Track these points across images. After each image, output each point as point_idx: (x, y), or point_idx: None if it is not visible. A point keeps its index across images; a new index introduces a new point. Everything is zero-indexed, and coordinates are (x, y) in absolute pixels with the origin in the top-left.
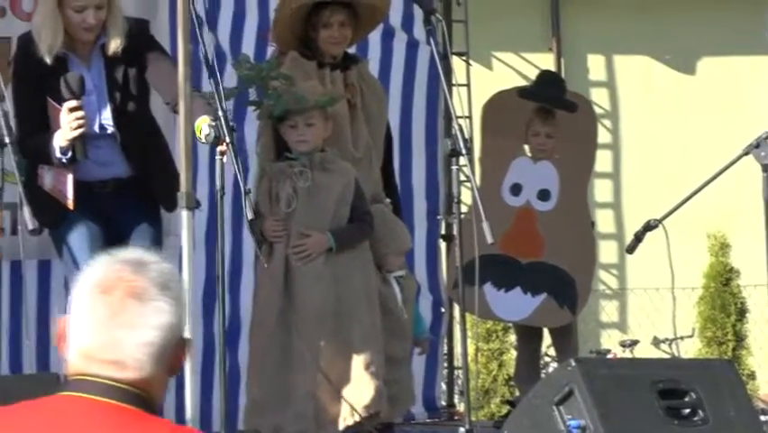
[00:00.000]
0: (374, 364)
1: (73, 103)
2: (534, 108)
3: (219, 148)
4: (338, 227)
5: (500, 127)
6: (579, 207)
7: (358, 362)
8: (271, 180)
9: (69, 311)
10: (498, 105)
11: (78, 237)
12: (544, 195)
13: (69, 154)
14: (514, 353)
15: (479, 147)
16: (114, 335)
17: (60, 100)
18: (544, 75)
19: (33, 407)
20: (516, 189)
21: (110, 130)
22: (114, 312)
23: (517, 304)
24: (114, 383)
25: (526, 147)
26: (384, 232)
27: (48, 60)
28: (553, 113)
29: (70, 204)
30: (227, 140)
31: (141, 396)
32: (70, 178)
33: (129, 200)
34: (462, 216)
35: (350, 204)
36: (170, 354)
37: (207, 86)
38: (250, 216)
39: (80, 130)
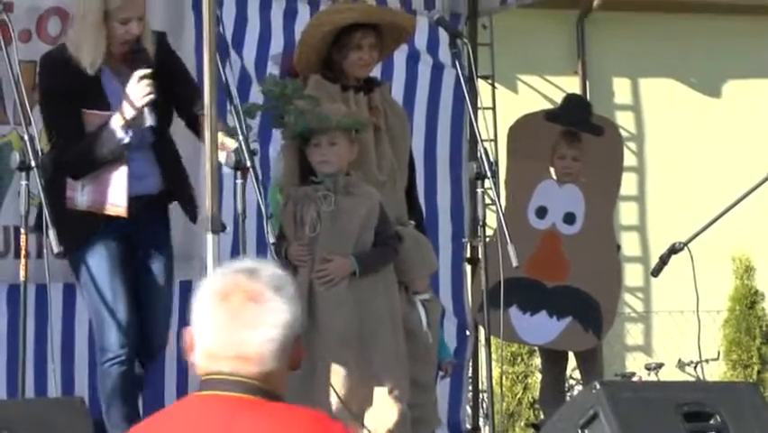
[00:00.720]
0: (398, 388)
1: (144, 71)
2: (561, 131)
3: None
4: (362, 251)
5: (526, 150)
6: (604, 230)
7: (381, 386)
8: (296, 204)
9: (192, 320)
10: (524, 128)
11: (99, 260)
12: (569, 218)
13: (129, 135)
14: (539, 376)
15: (504, 170)
16: (236, 335)
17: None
18: (571, 98)
19: (170, 412)
20: (542, 213)
21: (150, 140)
22: (235, 315)
23: (543, 328)
24: (239, 378)
25: (552, 170)
26: (412, 254)
27: (91, 73)
28: (579, 136)
29: (123, 211)
30: (248, 164)
31: (264, 388)
32: (122, 176)
33: (151, 218)
34: (487, 239)
35: (374, 228)
36: (290, 349)
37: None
38: (272, 239)
39: (151, 96)
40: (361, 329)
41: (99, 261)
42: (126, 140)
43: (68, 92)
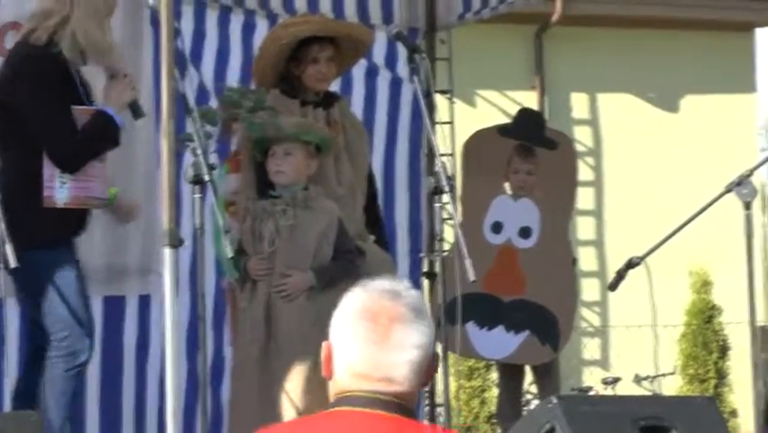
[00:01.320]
0: None
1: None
2: (514, 146)
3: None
4: (321, 266)
5: (481, 166)
6: (559, 243)
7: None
8: (254, 219)
9: (333, 337)
10: (478, 144)
11: (69, 265)
12: (525, 232)
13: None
14: (496, 390)
15: (460, 186)
16: (386, 357)
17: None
18: (524, 112)
19: (314, 421)
20: (497, 228)
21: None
22: (383, 337)
23: (500, 342)
24: (382, 397)
25: (507, 185)
26: (372, 269)
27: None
28: (533, 150)
29: (103, 205)
30: (207, 178)
31: (403, 405)
32: (107, 172)
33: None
34: (445, 253)
35: (333, 242)
36: (426, 367)
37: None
38: (229, 254)
39: (135, 91)
40: (319, 344)
41: (69, 265)
42: (124, 126)
43: (61, 88)
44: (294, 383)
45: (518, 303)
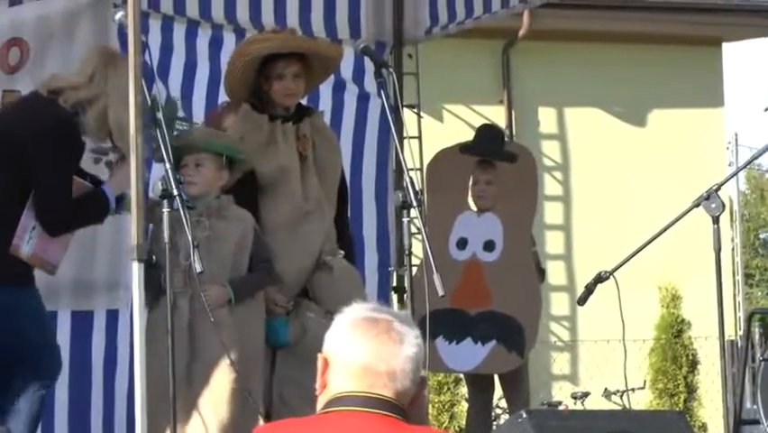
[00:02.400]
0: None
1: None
2: (476, 162)
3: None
4: (237, 277)
5: (444, 184)
6: (522, 254)
7: (258, 412)
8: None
9: (330, 344)
10: (440, 164)
11: (39, 297)
12: (489, 246)
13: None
14: (465, 405)
15: (426, 204)
16: (389, 349)
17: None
18: (483, 129)
19: (308, 423)
20: (462, 244)
21: None
22: (384, 331)
23: (468, 354)
24: (378, 396)
25: (471, 201)
26: (341, 284)
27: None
28: (493, 163)
29: (53, 272)
30: (175, 192)
31: (399, 406)
32: (67, 242)
33: None
34: (414, 268)
35: (249, 251)
36: (417, 378)
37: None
38: (198, 268)
39: None
40: (239, 355)
41: (35, 300)
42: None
43: (77, 157)
44: (218, 399)
45: (485, 315)
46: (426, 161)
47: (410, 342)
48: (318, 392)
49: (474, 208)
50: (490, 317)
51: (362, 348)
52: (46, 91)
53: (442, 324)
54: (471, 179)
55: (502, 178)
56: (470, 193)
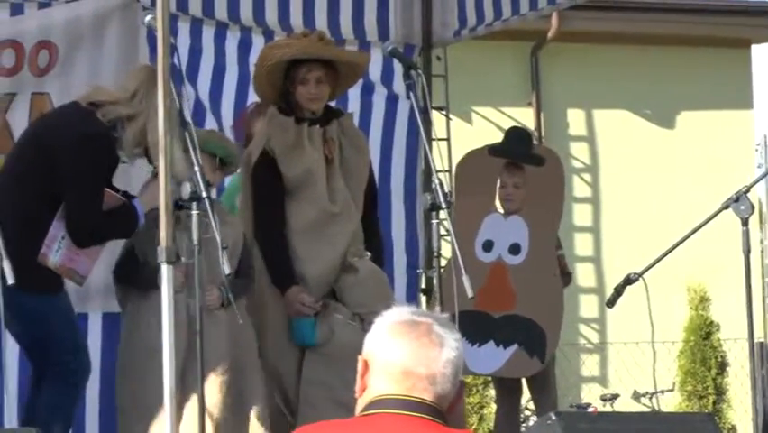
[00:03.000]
0: (264, 416)
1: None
2: (504, 164)
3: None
4: (230, 282)
5: (472, 186)
6: (547, 258)
7: (250, 414)
8: None
9: (371, 346)
10: (468, 165)
11: (69, 302)
12: (514, 249)
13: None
14: (494, 407)
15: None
16: (429, 352)
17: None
18: (512, 132)
19: (349, 424)
20: (489, 246)
21: None
22: (425, 334)
23: (490, 357)
24: (418, 399)
25: (498, 203)
26: (368, 286)
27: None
28: (521, 166)
29: (82, 283)
30: (203, 195)
31: (439, 410)
32: (97, 255)
33: None
34: (442, 269)
35: (238, 257)
36: (456, 382)
37: None
38: (227, 270)
39: None
40: (235, 355)
41: (65, 304)
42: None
43: (109, 171)
44: (214, 400)
45: (508, 318)
46: (455, 164)
47: (450, 345)
48: (358, 395)
49: (501, 210)
50: (513, 321)
51: (403, 351)
52: (86, 103)
53: (465, 326)
54: (499, 182)
55: (529, 181)
56: (497, 195)
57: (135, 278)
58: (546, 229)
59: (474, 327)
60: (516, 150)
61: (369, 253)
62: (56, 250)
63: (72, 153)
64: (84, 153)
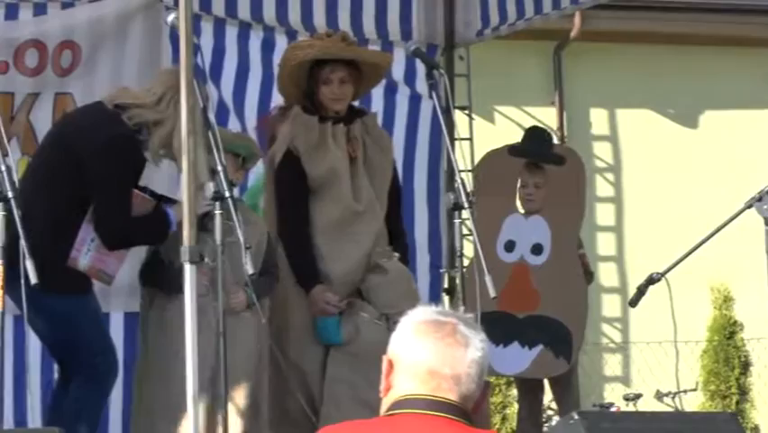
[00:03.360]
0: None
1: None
2: (524, 164)
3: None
4: (254, 281)
5: (492, 186)
6: (569, 258)
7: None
8: None
9: (396, 346)
10: (489, 165)
11: (96, 304)
12: (537, 249)
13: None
14: (517, 406)
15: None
16: (454, 352)
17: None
18: (531, 131)
19: (374, 424)
20: (510, 246)
21: None
22: (450, 334)
23: (515, 358)
24: (444, 399)
25: (518, 203)
26: (396, 287)
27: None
28: (542, 166)
29: (110, 282)
30: (227, 195)
31: (465, 410)
32: (125, 256)
33: None
34: (464, 269)
35: (263, 256)
36: (481, 383)
37: None
38: (250, 271)
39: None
40: (259, 357)
41: (94, 305)
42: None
43: (136, 173)
44: (243, 404)
45: (533, 318)
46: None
47: (476, 345)
48: (382, 395)
49: (522, 211)
50: (538, 321)
51: (428, 351)
52: (111, 104)
53: (489, 327)
54: (520, 182)
55: (550, 180)
56: (518, 195)
57: (161, 280)
58: (568, 229)
59: (498, 327)
60: (536, 149)
61: (397, 254)
62: (85, 252)
63: (100, 157)
64: (111, 157)
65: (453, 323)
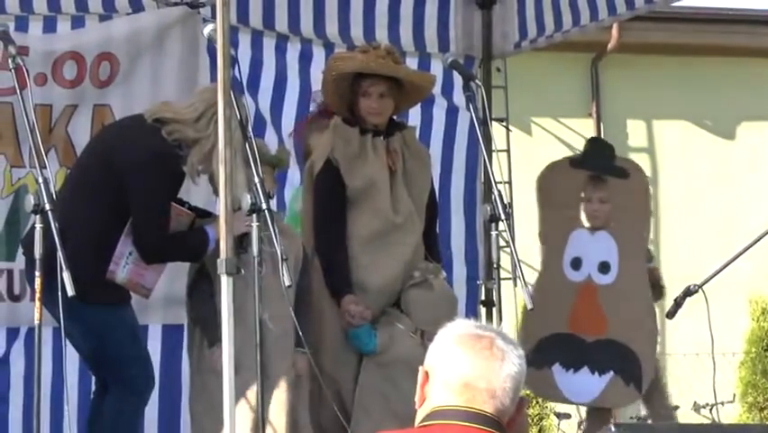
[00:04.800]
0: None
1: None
2: (587, 176)
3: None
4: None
5: (555, 199)
6: (638, 278)
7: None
8: None
9: (432, 357)
10: (550, 178)
11: (133, 316)
12: (604, 268)
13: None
14: (554, 418)
15: (537, 220)
16: (491, 366)
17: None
18: (593, 142)
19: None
20: (577, 264)
21: None
22: (488, 347)
23: (586, 385)
24: (479, 411)
25: (583, 217)
26: (440, 306)
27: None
28: (605, 179)
29: (148, 295)
30: (264, 206)
31: (500, 423)
32: (163, 268)
33: None
34: (502, 281)
35: (300, 266)
36: (516, 398)
37: None
38: (287, 282)
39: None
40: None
41: (129, 317)
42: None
43: (174, 187)
44: (280, 415)
45: (601, 344)
46: (515, 175)
47: (512, 360)
48: (417, 406)
49: (587, 225)
50: (608, 347)
51: (464, 363)
52: (151, 119)
53: (558, 350)
54: (584, 195)
55: (614, 194)
56: (582, 209)
57: (209, 297)
58: (635, 246)
59: (568, 351)
60: (599, 162)
61: (444, 273)
62: (123, 266)
63: (140, 171)
64: (151, 172)
65: (491, 337)
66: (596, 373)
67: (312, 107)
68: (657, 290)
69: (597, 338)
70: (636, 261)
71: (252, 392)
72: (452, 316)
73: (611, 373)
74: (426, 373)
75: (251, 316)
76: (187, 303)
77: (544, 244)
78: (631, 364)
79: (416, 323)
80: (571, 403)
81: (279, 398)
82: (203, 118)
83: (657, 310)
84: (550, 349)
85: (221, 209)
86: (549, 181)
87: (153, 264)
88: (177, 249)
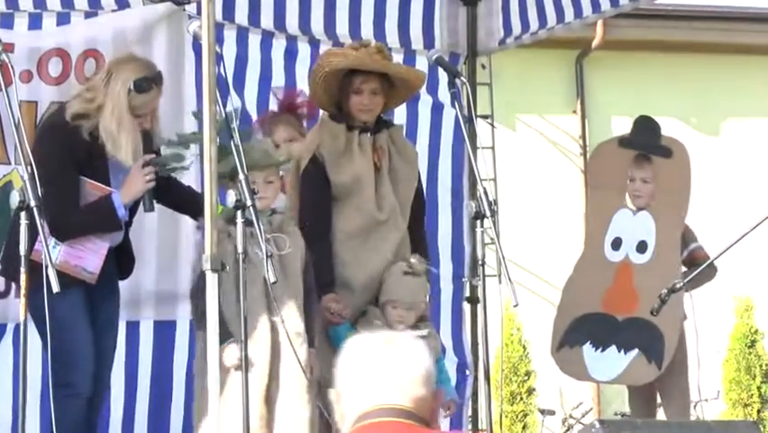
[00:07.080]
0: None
1: (148, 157)
2: (633, 156)
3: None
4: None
5: (602, 180)
6: (671, 257)
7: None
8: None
9: (339, 382)
10: (600, 157)
11: (69, 307)
12: (641, 247)
13: (127, 212)
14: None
15: (584, 201)
16: (391, 360)
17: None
18: (640, 121)
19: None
20: (617, 244)
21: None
22: (387, 344)
23: (611, 363)
24: (397, 406)
25: (628, 197)
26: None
27: (130, 161)
28: (650, 159)
29: (94, 280)
30: (248, 203)
31: (418, 415)
32: (104, 251)
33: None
34: (487, 278)
35: (302, 268)
36: (430, 388)
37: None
38: (272, 279)
39: (153, 183)
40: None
41: (69, 307)
42: (125, 218)
43: (78, 159)
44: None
45: (630, 321)
46: (500, 172)
47: (414, 351)
48: (339, 424)
49: (631, 205)
50: (635, 325)
51: (367, 370)
52: (60, 106)
53: (590, 329)
54: (629, 177)
55: (658, 174)
56: (627, 189)
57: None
58: (672, 226)
59: (600, 331)
60: (646, 141)
61: (435, 270)
62: (52, 246)
63: (33, 150)
64: (39, 146)
65: (389, 336)
66: (621, 351)
67: (272, 102)
68: (707, 270)
69: (627, 317)
70: (671, 241)
71: (259, 389)
72: (420, 299)
73: (636, 350)
74: (338, 393)
75: (256, 314)
76: (193, 304)
77: (588, 224)
78: (655, 341)
79: (387, 294)
80: (595, 381)
81: (298, 397)
82: (92, 89)
83: (690, 295)
84: (582, 329)
85: (206, 206)
86: (598, 162)
87: (90, 246)
88: (83, 223)
